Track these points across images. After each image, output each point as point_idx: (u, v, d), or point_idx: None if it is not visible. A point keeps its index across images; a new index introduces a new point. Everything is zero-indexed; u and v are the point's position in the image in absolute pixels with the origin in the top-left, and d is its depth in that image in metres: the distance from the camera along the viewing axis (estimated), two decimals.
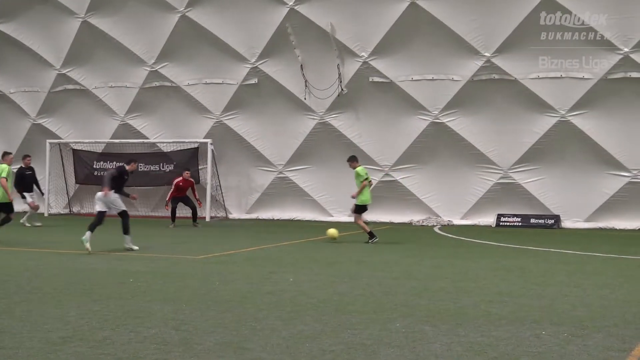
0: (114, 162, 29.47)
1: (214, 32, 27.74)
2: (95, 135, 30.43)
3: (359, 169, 19.76)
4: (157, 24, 28.47)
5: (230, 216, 29.08)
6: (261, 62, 27.60)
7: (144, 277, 12.88)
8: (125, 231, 17.12)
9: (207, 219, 27.85)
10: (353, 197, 19.77)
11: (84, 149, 30.84)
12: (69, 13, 29.29)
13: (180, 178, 25.30)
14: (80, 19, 29.18)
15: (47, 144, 30.51)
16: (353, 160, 20.11)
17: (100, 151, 30.57)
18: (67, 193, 31.51)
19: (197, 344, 7.80)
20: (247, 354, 7.39)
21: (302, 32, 26.74)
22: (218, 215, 28.80)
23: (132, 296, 10.89)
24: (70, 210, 31.30)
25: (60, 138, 31.05)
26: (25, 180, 24.45)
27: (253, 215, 28.92)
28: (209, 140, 28.36)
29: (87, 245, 16.19)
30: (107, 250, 17.05)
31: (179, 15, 27.87)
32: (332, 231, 19.92)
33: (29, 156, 25.44)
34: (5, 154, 20.97)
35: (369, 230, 19.47)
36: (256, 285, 11.96)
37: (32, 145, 30.12)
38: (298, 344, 7.81)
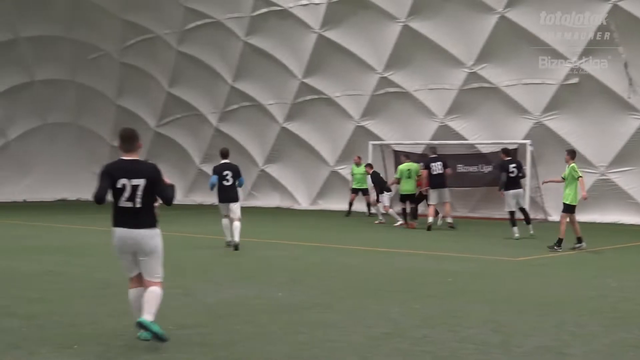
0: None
1: (532, 32, 27.29)
2: (415, 136, 30.89)
3: (574, 165, 18.14)
4: (476, 25, 28.41)
5: (550, 218, 28.41)
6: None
7: (462, 277, 13.04)
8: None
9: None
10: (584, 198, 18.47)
11: (404, 150, 31.56)
12: (390, 18, 29.99)
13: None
14: (402, 23, 29.82)
15: (370, 146, 31.43)
16: (571, 155, 18.48)
17: (420, 152, 30.84)
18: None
19: (516, 347, 7.84)
20: (567, 359, 7.37)
21: (625, 28, 25.68)
22: (537, 217, 28.28)
23: (451, 296, 11.09)
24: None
25: (382, 139, 31.97)
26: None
27: None
28: (528, 141, 27.96)
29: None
30: (427, 250, 17.43)
31: (498, 16, 27.75)
32: None
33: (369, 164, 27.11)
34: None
35: (561, 237, 17.52)
36: (577, 290, 11.80)
37: (356, 146, 31.25)
38: (621, 351, 7.63)
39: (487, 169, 29.00)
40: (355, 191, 29.54)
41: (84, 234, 21.68)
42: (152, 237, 8.20)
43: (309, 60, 32.67)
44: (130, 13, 36.41)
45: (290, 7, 32.05)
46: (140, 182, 8.05)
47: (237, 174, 17.93)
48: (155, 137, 39.00)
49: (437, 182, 23.94)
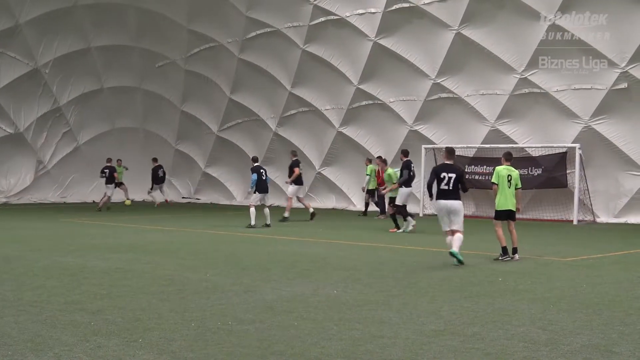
0: (484, 166, 30.69)
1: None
2: (467, 140, 31.42)
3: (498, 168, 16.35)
4: (526, 33, 28.94)
5: (598, 220, 28.77)
6: (631, 66, 27.15)
7: (512, 277, 13.12)
8: None
9: (575, 222, 28.00)
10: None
11: (456, 153, 32.01)
12: (443, 26, 30.62)
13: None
14: (454, 31, 30.45)
15: (423, 149, 32.11)
16: (506, 157, 16.73)
17: (472, 155, 31.53)
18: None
19: (564, 345, 7.94)
20: (614, 357, 7.45)
21: None
22: (585, 218, 28.73)
23: (501, 295, 11.22)
24: None
25: (434, 143, 32.48)
26: None
27: (621, 220, 28.38)
28: (577, 145, 28.34)
29: None
30: (478, 250, 17.48)
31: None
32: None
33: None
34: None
35: (503, 245, 16.05)
36: (625, 290, 11.89)
37: (409, 150, 31.72)
38: None
39: (537, 171, 29.48)
40: None
41: (151, 234, 22.08)
42: (458, 205, 15.10)
43: (364, 67, 33.43)
44: (196, 23, 37.56)
45: (347, 16, 32.88)
46: (452, 175, 15.02)
47: (266, 173, 25.42)
48: (217, 141, 40.12)
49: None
